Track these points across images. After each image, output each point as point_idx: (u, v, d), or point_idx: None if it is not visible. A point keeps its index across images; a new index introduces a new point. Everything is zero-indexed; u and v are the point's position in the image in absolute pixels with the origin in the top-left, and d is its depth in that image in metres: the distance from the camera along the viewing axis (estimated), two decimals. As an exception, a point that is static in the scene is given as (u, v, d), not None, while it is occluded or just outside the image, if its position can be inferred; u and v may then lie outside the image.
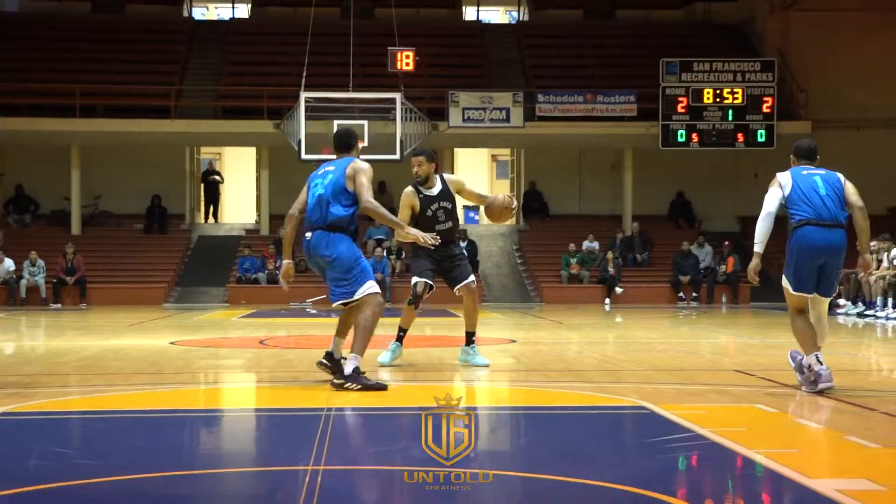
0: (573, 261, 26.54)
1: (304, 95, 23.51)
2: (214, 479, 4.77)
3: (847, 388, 7.63)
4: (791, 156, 7.92)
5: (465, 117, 27.69)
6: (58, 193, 28.16)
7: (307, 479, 4.53)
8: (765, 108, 27.54)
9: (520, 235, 29.25)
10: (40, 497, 4.32)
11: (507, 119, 27.75)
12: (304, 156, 23.75)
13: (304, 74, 23.19)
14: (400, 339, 9.41)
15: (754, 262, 7.68)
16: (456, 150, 30.26)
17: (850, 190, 7.56)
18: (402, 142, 23.94)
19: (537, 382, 8.48)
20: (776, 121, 27.54)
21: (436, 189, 9.08)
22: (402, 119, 23.88)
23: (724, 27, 32.51)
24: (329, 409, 6.65)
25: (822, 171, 7.70)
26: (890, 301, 19.01)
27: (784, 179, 7.61)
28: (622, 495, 4.33)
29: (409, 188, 9.16)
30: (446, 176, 9.25)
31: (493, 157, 34.12)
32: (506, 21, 35.51)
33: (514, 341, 13.12)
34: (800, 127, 27.88)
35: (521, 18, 34.83)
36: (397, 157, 23.95)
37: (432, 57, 28.51)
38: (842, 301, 20.56)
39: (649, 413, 6.46)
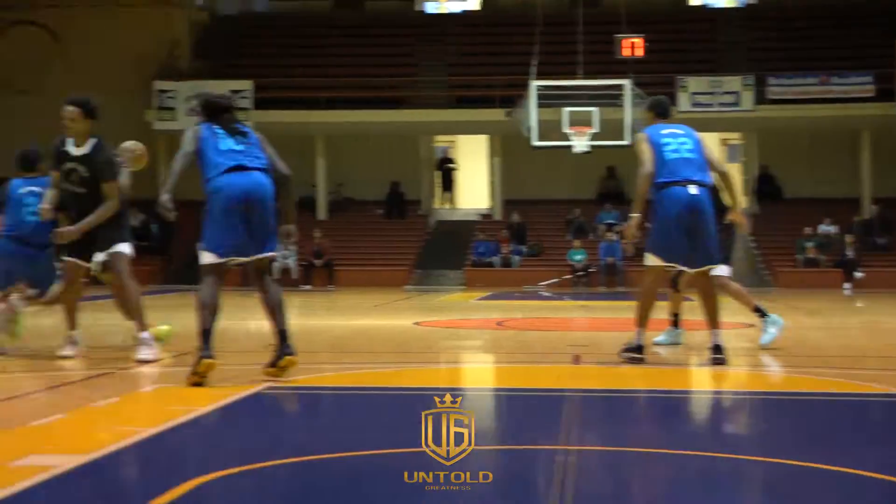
0: (809, 244, 26.19)
1: (534, 84, 24.12)
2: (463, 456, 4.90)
3: None
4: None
5: (694, 102, 27.71)
6: (305, 181, 29.79)
7: (558, 458, 4.53)
8: None
9: (753, 219, 28.96)
10: (303, 468, 4.48)
11: (737, 103, 27.62)
12: (535, 143, 24.40)
13: (535, 63, 23.83)
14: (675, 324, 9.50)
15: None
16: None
17: None
18: (631, 127, 24.25)
19: (778, 367, 8.30)
20: None
21: None
22: (631, 104, 24.19)
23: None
24: (573, 391, 6.69)
25: None
26: None
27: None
28: (871, 483, 4.20)
29: None
30: None
31: (723, 141, 33.87)
32: (733, 5, 35.09)
33: (751, 326, 13.18)
34: None
35: (748, 1, 34.39)
36: (627, 142, 24.27)
37: (660, 42, 28.62)
38: None
39: None
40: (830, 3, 32.14)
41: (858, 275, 24.91)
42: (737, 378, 8.06)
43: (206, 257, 6.87)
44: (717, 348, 7.80)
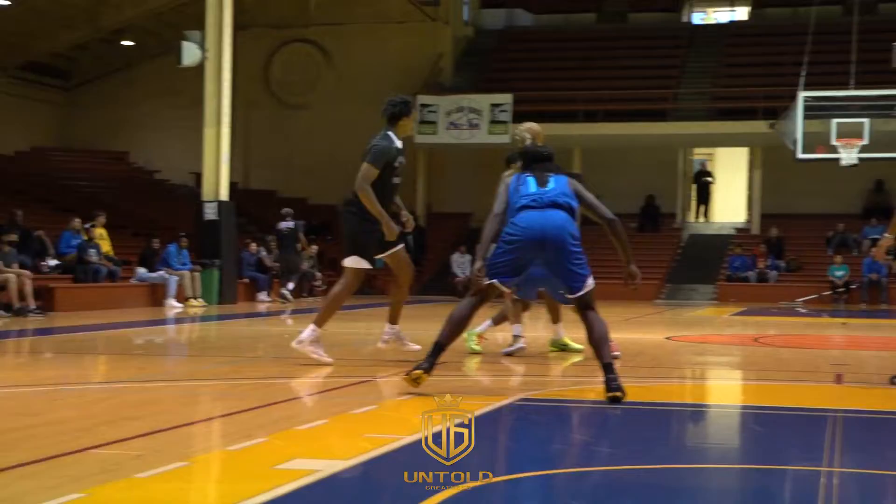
0: None
1: (801, 94, 23.45)
2: (723, 473, 4.86)
3: None
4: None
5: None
6: (561, 194, 29.93)
7: (822, 480, 4.46)
8: None
9: None
10: (565, 479, 4.58)
11: None
12: (799, 155, 23.70)
13: (803, 73, 23.15)
14: None
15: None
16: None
17: None
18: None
19: None
20: None
21: None
22: (905, 116, 23.14)
23: None
24: (836, 410, 6.57)
25: None
26: None
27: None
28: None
29: None
30: None
31: None
32: None
33: None
34: None
35: None
36: (899, 154, 23.28)
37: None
38: None
39: None
40: None
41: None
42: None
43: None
44: None
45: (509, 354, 9.49)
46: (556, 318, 9.91)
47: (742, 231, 29.63)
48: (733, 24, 34.00)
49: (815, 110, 23.39)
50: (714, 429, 6.52)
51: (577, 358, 9.60)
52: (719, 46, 32.16)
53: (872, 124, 23.07)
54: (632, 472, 4.71)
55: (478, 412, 6.24)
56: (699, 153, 32.90)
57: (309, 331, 8.67)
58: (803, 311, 22.52)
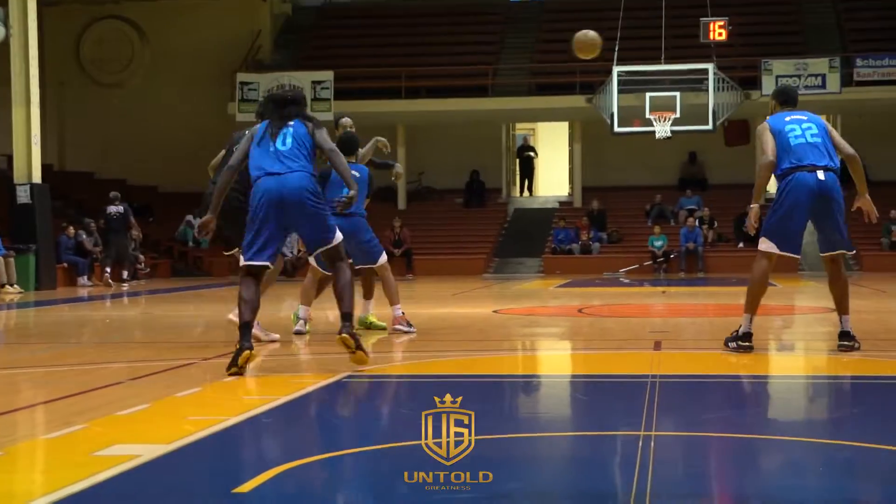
0: (895, 228, 25.75)
1: (616, 69, 24.00)
2: (544, 442, 4.92)
3: None
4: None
5: (778, 85, 27.32)
6: (385, 171, 29.88)
7: (640, 444, 4.57)
8: None
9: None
10: (385, 454, 4.57)
11: (823, 85, 27.16)
12: (616, 129, 24.29)
13: (617, 48, 23.69)
14: None
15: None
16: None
17: None
18: (714, 112, 24.03)
19: (862, 352, 8.02)
20: None
21: None
22: (713, 89, 23.94)
23: None
24: (654, 377, 6.69)
25: None
26: None
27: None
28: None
29: None
30: None
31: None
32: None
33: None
34: None
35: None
36: (710, 127, 24.09)
37: (745, 25, 28.28)
38: None
39: None
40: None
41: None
42: (818, 363, 8.10)
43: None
44: (845, 335, 7.76)
45: (298, 333, 9.31)
46: (368, 295, 9.89)
47: (565, 204, 30.26)
48: (550, 1, 34.53)
49: (630, 84, 23.98)
50: (539, 399, 6.60)
51: (381, 335, 9.56)
52: (537, 22, 32.65)
53: (683, 98, 23.78)
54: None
55: (307, 389, 6.23)
56: (522, 128, 33.39)
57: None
58: (626, 280, 23.14)
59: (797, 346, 9.43)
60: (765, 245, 7.72)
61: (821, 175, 7.51)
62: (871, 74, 27.19)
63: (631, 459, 4.30)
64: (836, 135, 7.83)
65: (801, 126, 7.71)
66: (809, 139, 7.63)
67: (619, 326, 11.25)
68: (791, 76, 27.20)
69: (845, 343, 7.73)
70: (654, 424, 5.08)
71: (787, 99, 8.03)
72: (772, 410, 6.08)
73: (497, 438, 4.75)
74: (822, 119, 7.92)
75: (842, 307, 7.83)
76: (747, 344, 7.72)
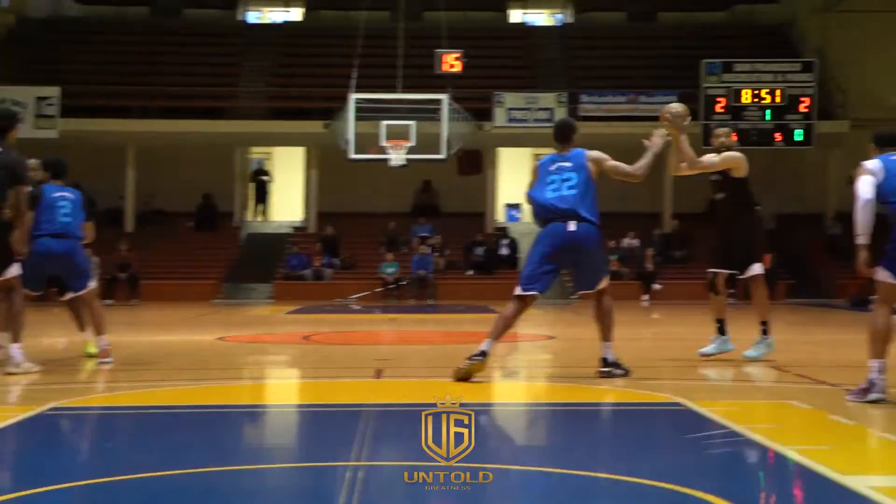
0: (612, 258, 27.01)
1: (353, 96, 24.15)
2: (256, 475, 4.84)
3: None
4: (871, 144, 7.33)
5: (510, 117, 28.27)
6: (114, 192, 28.96)
7: (347, 475, 4.56)
8: (803, 108, 27.85)
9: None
10: (88, 492, 4.39)
11: (551, 119, 28.20)
12: (352, 155, 24.41)
13: (354, 76, 23.85)
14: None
15: (863, 255, 6.90)
16: (499, 149, 30.80)
17: None
18: (448, 141, 24.54)
19: (574, 379, 8.37)
20: (815, 120, 27.86)
21: None
22: (448, 119, 24.46)
23: (765, 28, 32.79)
24: (371, 405, 6.72)
25: None
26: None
27: (875, 166, 7.02)
28: (657, 491, 4.32)
29: None
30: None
31: (536, 156, 34.60)
32: (551, 23, 36.00)
33: (552, 337, 13.48)
34: (838, 126, 28.34)
35: (565, 21, 35.32)
36: (443, 156, 24.59)
37: (478, 59, 29.07)
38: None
39: (684, 409, 6.46)
40: (639, 24, 33.34)
41: (657, 287, 25.84)
42: (530, 389, 8.32)
43: None
44: (604, 361, 8.14)
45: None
46: (82, 325, 9.60)
47: (299, 230, 30.13)
48: (288, 25, 34.48)
49: (366, 112, 24.17)
50: (250, 430, 6.49)
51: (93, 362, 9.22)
52: (275, 46, 32.50)
53: (419, 127, 24.19)
54: (162, 479, 4.61)
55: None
56: (257, 152, 33.08)
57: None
58: (357, 307, 23.22)
59: (519, 373, 9.64)
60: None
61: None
62: (594, 110, 28.48)
63: (336, 491, 4.29)
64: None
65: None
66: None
67: (344, 354, 11.22)
68: (521, 109, 28.22)
69: (603, 370, 8.05)
70: (365, 454, 5.09)
71: (561, 136, 8.34)
72: (485, 438, 6.14)
73: (203, 472, 4.61)
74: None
75: (604, 334, 8.18)
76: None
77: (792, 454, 5.02)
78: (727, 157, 9.45)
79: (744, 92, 27.91)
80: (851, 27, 30.03)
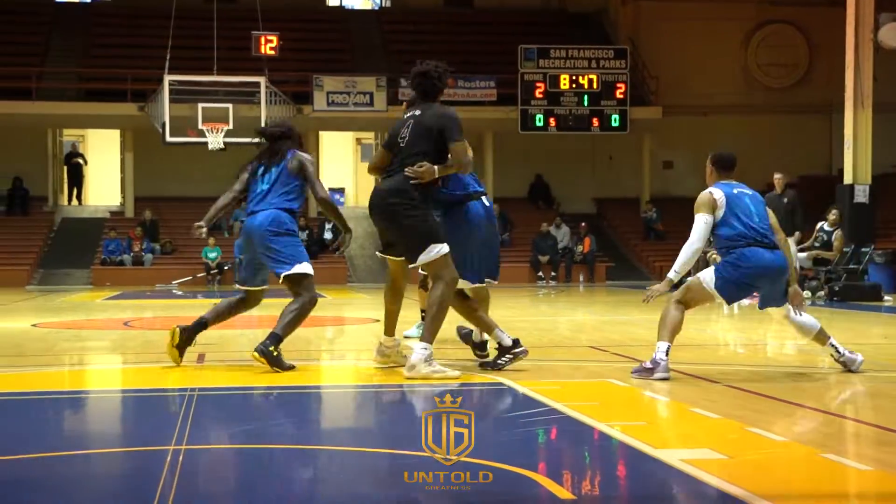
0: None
1: (168, 78, 23.64)
2: (76, 461, 4.79)
3: (694, 362, 8.08)
4: (710, 165, 7.52)
5: (330, 101, 28.15)
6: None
7: (168, 458, 4.58)
8: (618, 94, 28.69)
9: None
10: None
11: (371, 103, 28.28)
12: (168, 139, 23.92)
13: (168, 57, 23.33)
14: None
15: (663, 286, 7.27)
16: (321, 133, 30.66)
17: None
18: (266, 125, 24.21)
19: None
20: (629, 106, 28.71)
21: None
22: (266, 102, 24.20)
23: (579, 16, 33.58)
24: (193, 390, 6.70)
25: (749, 191, 7.42)
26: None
27: (719, 199, 7.23)
28: (472, 467, 4.35)
29: None
30: None
31: (358, 139, 34.63)
32: (368, 7, 35.98)
33: (378, 321, 13.52)
34: (651, 112, 29.29)
35: (383, 4, 35.35)
36: (262, 140, 24.26)
37: (297, 41, 28.85)
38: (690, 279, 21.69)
39: (507, 389, 6.59)
40: (456, 10, 33.66)
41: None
42: (351, 373, 8.26)
43: None
44: (480, 345, 8.16)
45: None
46: None
47: (117, 214, 29.34)
48: (98, 4, 33.39)
49: (183, 94, 23.71)
50: (70, 416, 6.34)
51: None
52: (86, 26, 31.46)
53: (236, 110, 23.87)
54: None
55: None
56: (70, 134, 32.01)
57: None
58: (179, 293, 22.79)
59: (347, 357, 9.63)
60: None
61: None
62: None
63: (156, 475, 4.25)
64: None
65: None
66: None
67: (164, 339, 10.96)
68: (341, 92, 28.12)
69: (479, 353, 8.05)
70: (186, 438, 5.04)
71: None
72: (306, 421, 6.14)
73: (19, 460, 4.54)
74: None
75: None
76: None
77: (607, 429, 5.18)
78: None
79: (562, 78, 28.54)
80: (661, 16, 31.03)
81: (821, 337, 7.41)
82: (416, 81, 7.53)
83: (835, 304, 16.30)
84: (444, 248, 7.17)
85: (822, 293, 17.13)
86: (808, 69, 31.32)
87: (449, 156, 7.21)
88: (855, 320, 13.15)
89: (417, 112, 7.39)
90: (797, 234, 17.70)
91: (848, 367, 7.36)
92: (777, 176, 18.01)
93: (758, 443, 4.95)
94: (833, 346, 7.39)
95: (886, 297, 17.00)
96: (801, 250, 17.88)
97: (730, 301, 7.37)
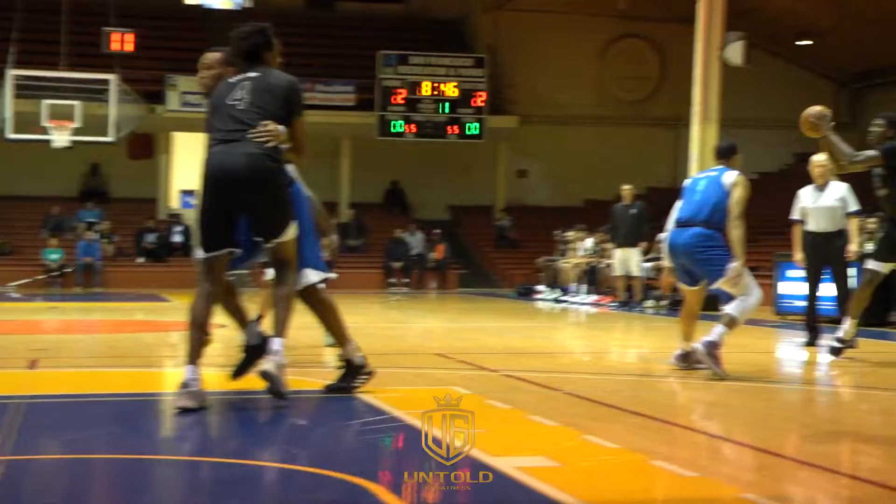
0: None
1: (10, 72, 22.88)
2: None
3: (538, 370, 8.19)
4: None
5: (184, 101, 27.56)
6: None
7: None
8: (478, 103, 28.83)
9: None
10: None
11: (229, 104, 27.80)
12: (10, 135, 23.16)
13: (12, 50, 22.58)
14: None
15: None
16: (175, 133, 29.98)
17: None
18: (117, 124, 23.70)
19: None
20: (487, 115, 28.90)
21: None
22: (116, 101, 23.60)
23: (441, 23, 33.67)
24: (23, 397, 6.48)
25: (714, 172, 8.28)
26: (584, 287, 20.40)
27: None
28: (313, 478, 4.36)
29: None
30: None
31: (213, 142, 34.02)
32: (229, 7, 35.35)
33: (224, 326, 13.24)
34: (509, 121, 29.55)
35: (244, 5, 34.82)
36: (112, 138, 23.73)
37: (152, 39, 28.15)
38: (540, 287, 21.95)
39: (348, 397, 6.54)
40: (318, 13, 33.41)
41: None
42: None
43: None
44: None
45: None
46: None
47: (-42, 213, 28.16)
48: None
49: (26, 90, 22.96)
50: None
51: None
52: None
53: (85, 108, 23.20)
54: None
55: None
56: None
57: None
58: (17, 295, 22.00)
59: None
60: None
61: None
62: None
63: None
64: None
65: None
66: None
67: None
68: (196, 93, 27.50)
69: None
70: (9, 448, 4.86)
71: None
72: (140, 429, 5.91)
73: None
74: None
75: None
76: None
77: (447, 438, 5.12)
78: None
79: (423, 84, 28.55)
80: (520, 26, 31.34)
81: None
82: (253, 40, 6.59)
83: (678, 313, 16.62)
84: (295, 227, 6.37)
85: (665, 302, 17.48)
86: (658, 83, 32.04)
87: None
88: (701, 330, 13.42)
89: (254, 74, 6.39)
90: (643, 244, 18.08)
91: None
92: (625, 187, 18.38)
93: (592, 450, 4.99)
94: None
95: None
96: (648, 260, 18.25)
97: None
